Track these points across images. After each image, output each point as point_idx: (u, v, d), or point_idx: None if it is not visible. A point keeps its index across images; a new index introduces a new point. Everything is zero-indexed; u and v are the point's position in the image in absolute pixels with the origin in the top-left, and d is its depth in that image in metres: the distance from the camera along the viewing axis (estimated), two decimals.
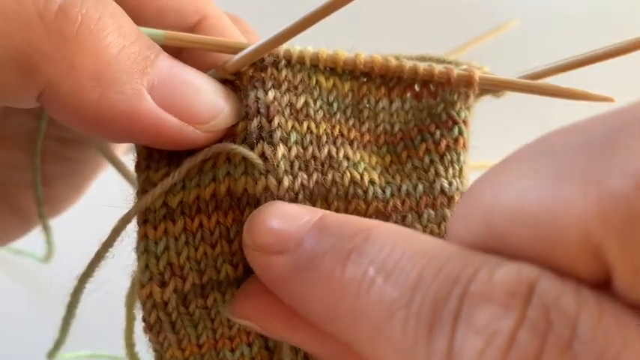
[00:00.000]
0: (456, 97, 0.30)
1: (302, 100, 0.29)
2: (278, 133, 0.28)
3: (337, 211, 0.28)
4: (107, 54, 0.25)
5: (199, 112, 0.27)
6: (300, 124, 0.29)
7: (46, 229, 0.41)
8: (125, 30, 0.26)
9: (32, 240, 0.42)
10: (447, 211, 0.30)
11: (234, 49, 0.29)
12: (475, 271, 0.19)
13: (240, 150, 0.28)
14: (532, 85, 0.30)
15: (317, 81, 0.30)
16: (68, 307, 0.31)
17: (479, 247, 0.20)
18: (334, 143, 0.29)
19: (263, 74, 0.29)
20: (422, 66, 0.30)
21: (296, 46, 0.29)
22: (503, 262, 0.19)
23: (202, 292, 0.28)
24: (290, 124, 0.29)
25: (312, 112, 0.29)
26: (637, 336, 0.16)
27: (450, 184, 0.30)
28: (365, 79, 0.30)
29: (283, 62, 0.29)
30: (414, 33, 0.49)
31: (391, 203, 0.29)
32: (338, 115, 0.30)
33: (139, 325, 0.29)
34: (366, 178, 0.29)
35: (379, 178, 0.29)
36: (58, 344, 0.35)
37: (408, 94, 0.31)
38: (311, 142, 0.29)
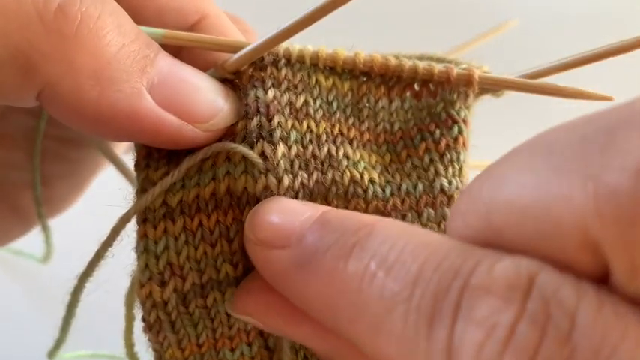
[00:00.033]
0: (455, 96, 0.30)
1: (302, 99, 0.29)
2: (278, 132, 0.28)
3: None
4: (107, 52, 0.25)
5: (199, 111, 0.27)
6: (300, 123, 0.29)
7: (45, 229, 0.41)
8: (125, 28, 0.26)
9: (31, 240, 0.42)
10: (447, 210, 0.30)
11: (234, 48, 0.29)
12: (475, 264, 0.19)
13: (240, 149, 0.28)
14: (531, 84, 0.30)
15: (317, 80, 0.30)
16: (68, 307, 0.31)
17: (478, 242, 0.20)
18: (334, 142, 0.29)
19: (262, 73, 0.29)
20: (421, 65, 0.30)
21: (295, 45, 0.29)
22: (502, 255, 0.19)
23: (202, 292, 0.28)
24: (290, 123, 0.29)
25: (311, 111, 0.29)
26: (635, 328, 0.16)
27: (450, 183, 0.30)
28: (364, 78, 0.30)
29: (283, 61, 0.29)
30: (414, 32, 0.49)
31: (391, 202, 0.29)
32: (338, 114, 0.30)
33: (138, 325, 0.29)
34: (366, 177, 0.29)
35: (379, 177, 0.29)
36: (59, 343, 0.35)
37: (408, 93, 0.31)
38: (311, 141, 0.29)
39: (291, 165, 0.28)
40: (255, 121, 0.28)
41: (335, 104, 0.30)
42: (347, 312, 0.22)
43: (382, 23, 0.61)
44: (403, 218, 0.29)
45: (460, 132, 0.30)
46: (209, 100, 0.28)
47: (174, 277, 0.28)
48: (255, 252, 0.26)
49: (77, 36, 0.24)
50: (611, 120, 0.17)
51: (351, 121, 0.30)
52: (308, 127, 0.29)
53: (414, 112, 0.31)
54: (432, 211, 0.30)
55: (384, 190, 0.29)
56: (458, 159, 0.30)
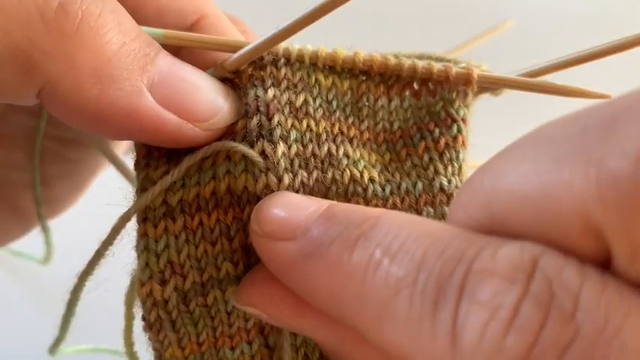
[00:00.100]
0: (454, 95, 0.30)
1: (301, 98, 0.29)
2: (278, 131, 0.28)
3: None
4: (107, 51, 0.25)
5: (199, 110, 0.27)
6: (300, 122, 0.29)
7: (45, 229, 0.41)
8: (125, 27, 0.26)
9: (32, 240, 0.42)
10: (446, 209, 0.30)
11: (234, 48, 0.29)
12: (479, 250, 0.19)
13: (240, 148, 0.28)
14: (530, 83, 0.30)
15: (316, 79, 0.30)
16: (68, 305, 0.31)
17: (480, 231, 0.20)
18: (334, 141, 0.29)
19: (262, 72, 0.29)
20: (421, 64, 0.30)
21: (295, 44, 0.29)
22: (505, 241, 0.19)
23: (203, 290, 0.28)
24: (290, 122, 0.29)
25: (311, 110, 0.29)
26: (638, 309, 0.17)
27: (449, 181, 0.30)
28: (364, 78, 0.30)
29: (282, 60, 0.29)
30: (413, 32, 0.49)
31: (390, 201, 0.29)
32: (337, 113, 0.30)
33: (138, 324, 0.29)
34: (366, 176, 0.29)
35: (379, 176, 0.30)
36: (58, 341, 0.35)
37: (407, 93, 0.31)
38: (311, 140, 0.29)
39: (292, 164, 0.28)
40: (255, 120, 0.28)
41: (334, 103, 0.30)
42: (352, 301, 0.22)
43: (381, 23, 0.61)
44: None
45: (459, 131, 0.30)
46: (209, 99, 0.28)
47: (174, 275, 0.28)
48: (260, 244, 0.26)
49: (78, 34, 0.24)
50: (610, 110, 0.18)
51: (350, 120, 0.30)
52: (308, 125, 0.29)
53: (414, 110, 0.31)
54: (431, 210, 0.30)
55: (383, 189, 0.29)
56: (457, 157, 0.30)
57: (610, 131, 0.17)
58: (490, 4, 0.63)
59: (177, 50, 0.29)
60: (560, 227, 0.18)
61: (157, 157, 0.29)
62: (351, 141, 0.30)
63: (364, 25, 0.55)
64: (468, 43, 0.40)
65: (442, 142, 0.30)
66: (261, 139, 0.28)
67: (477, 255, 0.19)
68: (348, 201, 0.29)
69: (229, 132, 0.29)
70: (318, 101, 0.30)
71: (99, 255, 0.29)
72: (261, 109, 0.28)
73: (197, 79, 0.28)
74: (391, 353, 0.22)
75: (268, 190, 0.28)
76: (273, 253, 0.26)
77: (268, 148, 0.28)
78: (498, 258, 0.19)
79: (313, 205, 0.26)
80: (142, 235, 0.28)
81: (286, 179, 0.28)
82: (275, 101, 0.29)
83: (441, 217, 0.30)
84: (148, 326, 0.29)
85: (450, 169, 0.30)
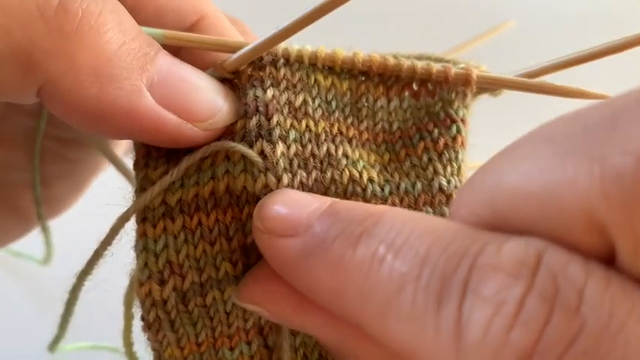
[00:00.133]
0: (453, 95, 0.30)
1: (300, 98, 0.29)
2: (277, 131, 0.28)
3: None
4: (107, 50, 0.25)
5: (198, 110, 0.27)
6: (299, 122, 0.29)
7: (45, 229, 0.41)
8: (125, 26, 0.26)
9: (32, 240, 0.42)
10: (446, 209, 0.30)
11: (233, 48, 0.29)
12: (483, 245, 0.19)
13: (239, 148, 0.28)
14: (529, 84, 0.30)
15: (315, 79, 0.30)
16: (67, 304, 0.31)
17: (484, 228, 0.20)
18: (333, 141, 0.29)
19: (261, 73, 0.29)
20: (420, 65, 0.30)
21: (294, 44, 0.29)
22: (510, 237, 0.19)
23: (201, 291, 0.28)
24: (289, 122, 0.29)
25: (310, 111, 0.30)
26: None
27: (449, 182, 0.30)
28: (363, 78, 0.31)
29: (282, 61, 0.29)
30: (412, 32, 0.49)
31: (389, 201, 0.29)
32: (336, 114, 0.30)
33: (137, 324, 0.29)
34: (365, 176, 0.29)
35: (378, 176, 0.30)
36: (57, 340, 0.35)
37: (406, 93, 0.31)
38: (310, 140, 0.29)
39: (290, 164, 0.28)
40: (254, 120, 0.28)
41: (334, 103, 0.30)
42: (355, 298, 0.22)
43: (381, 23, 0.61)
44: None
45: (458, 131, 0.31)
46: (208, 99, 0.28)
47: (173, 275, 0.28)
48: (263, 241, 0.26)
49: (78, 33, 0.24)
50: (612, 108, 0.18)
51: (349, 120, 0.30)
52: (307, 126, 0.29)
53: (413, 111, 0.31)
54: (430, 210, 0.30)
55: (382, 189, 0.29)
56: (456, 158, 0.30)
57: (611, 130, 0.17)
58: (490, 4, 0.63)
59: (176, 50, 0.29)
60: (564, 224, 0.18)
61: (156, 157, 0.29)
62: (350, 141, 0.30)
63: (364, 25, 0.55)
64: (467, 43, 0.40)
65: (441, 142, 0.30)
66: (260, 139, 0.28)
67: (481, 250, 0.19)
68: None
69: (228, 132, 0.29)
70: (317, 101, 0.30)
71: (98, 255, 0.29)
72: (260, 109, 0.28)
73: (196, 79, 0.28)
74: (394, 350, 0.22)
75: (267, 190, 0.28)
76: (276, 249, 0.26)
77: (267, 148, 0.28)
78: (502, 253, 0.19)
79: (315, 202, 0.26)
80: (141, 235, 0.28)
81: (285, 179, 0.28)
82: (274, 101, 0.29)
83: (440, 217, 0.30)
84: (147, 326, 0.29)
85: (449, 169, 0.30)
